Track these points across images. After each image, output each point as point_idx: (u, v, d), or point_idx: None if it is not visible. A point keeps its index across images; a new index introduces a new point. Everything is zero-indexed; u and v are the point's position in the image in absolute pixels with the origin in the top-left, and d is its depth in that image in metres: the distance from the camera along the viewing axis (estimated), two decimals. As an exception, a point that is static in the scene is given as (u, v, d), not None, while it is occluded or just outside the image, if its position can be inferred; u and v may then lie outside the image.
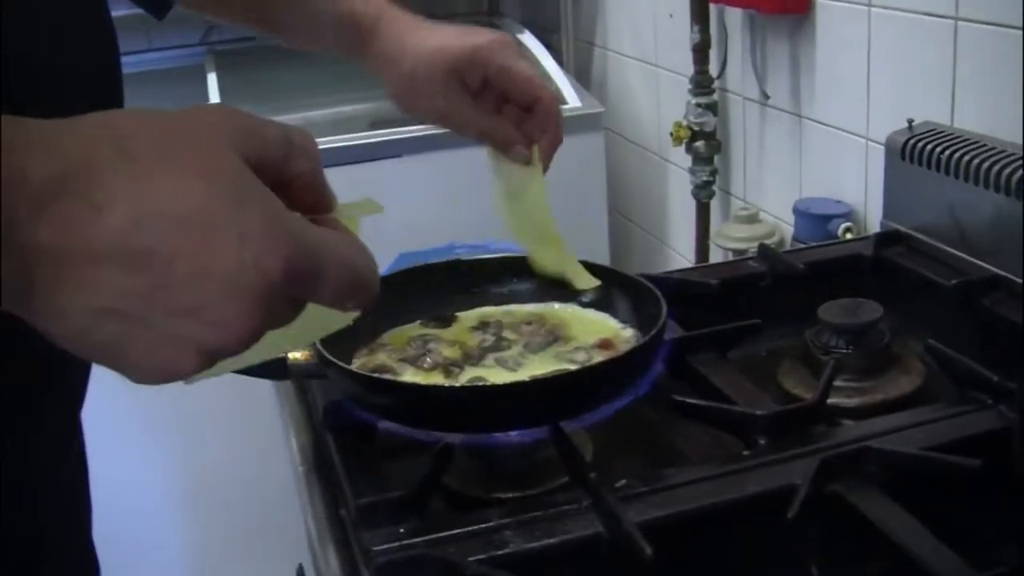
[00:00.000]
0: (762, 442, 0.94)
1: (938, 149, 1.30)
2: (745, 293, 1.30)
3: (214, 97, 2.17)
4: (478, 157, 2.13)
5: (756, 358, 1.24)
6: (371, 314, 0.98)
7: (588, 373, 0.94)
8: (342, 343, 1.03)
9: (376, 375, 0.96)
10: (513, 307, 1.13)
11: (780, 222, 1.90)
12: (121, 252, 0.48)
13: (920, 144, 1.33)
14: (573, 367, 0.98)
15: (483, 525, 0.85)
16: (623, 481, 0.89)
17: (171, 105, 0.54)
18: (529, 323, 1.08)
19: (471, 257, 1.19)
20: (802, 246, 1.64)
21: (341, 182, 2.06)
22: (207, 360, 0.52)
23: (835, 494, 0.85)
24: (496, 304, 1.14)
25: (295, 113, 2.30)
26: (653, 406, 1.06)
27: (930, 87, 1.42)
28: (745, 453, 0.93)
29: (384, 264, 1.59)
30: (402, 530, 0.85)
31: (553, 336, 1.05)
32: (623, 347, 1.02)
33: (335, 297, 0.56)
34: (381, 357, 1.03)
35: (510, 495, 0.96)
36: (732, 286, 1.28)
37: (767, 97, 1.86)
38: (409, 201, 2.09)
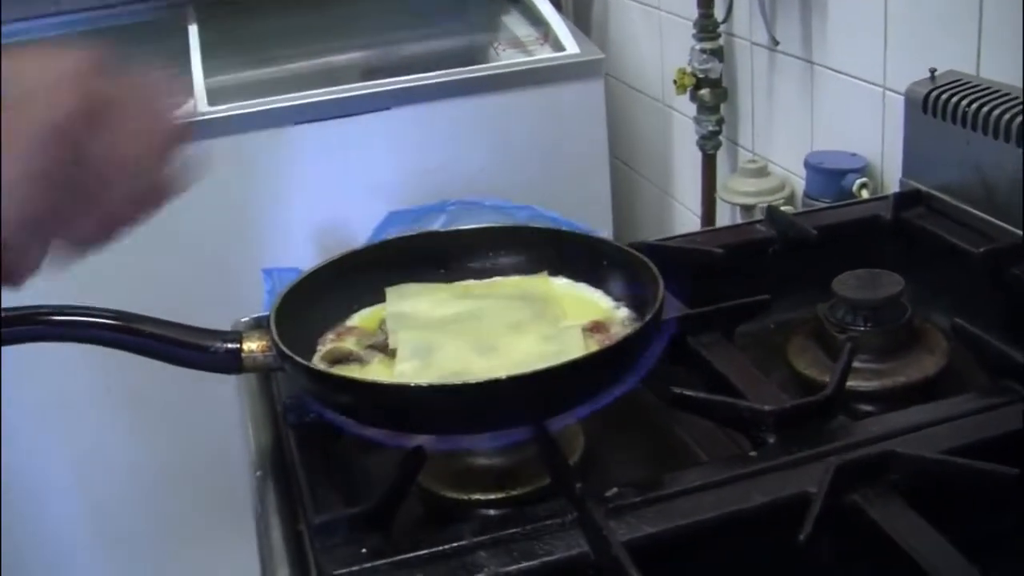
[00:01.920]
0: (771, 441, 0.84)
1: (963, 101, 1.18)
2: (752, 261, 1.19)
3: (195, 51, 2.05)
4: (471, 108, 2.05)
5: (764, 333, 1.14)
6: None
7: (575, 368, 0.83)
8: (307, 328, 0.94)
9: (332, 372, 0.85)
10: (497, 279, 1.03)
11: (790, 175, 1.79)
12: None
13: (943, 96, 1.21)
14: (559, 360, 0.87)
15: (455, 544, 0.75)
16: (614, 489, 0.79)
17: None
18: (514, 297, 0.98)
19: (449, 229, 1.08)
20: (817, 204, 1.54)
21: (326, 137, 1.95)
22: None
23: (853, 505, 0.75)
24: (478, 278, 1.04)
25: (279, 65, 2.19)
26: (654, 390, 0.96)
27: (954, 32, 1.31)
28: (752, 454, 0.83)
29: (373, 224, 1.51)
30: (364, 550, 0.75)
31: (539, 314, 0.95)
32: (616, 330, 0.92)
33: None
34: (348, 344, 0.92)
35: (490, 496, 0.87)
36: (737, 254, 1.17)
37: (776, 43, 1.74)
38: (398, 156, 1.99)
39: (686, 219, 2.22)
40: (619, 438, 0.96)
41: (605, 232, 2.13)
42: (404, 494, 0.80)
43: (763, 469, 0.81)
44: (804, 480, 0.78)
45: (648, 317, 0.86)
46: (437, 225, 1.48)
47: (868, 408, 1.00)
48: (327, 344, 0.94)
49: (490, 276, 1.04)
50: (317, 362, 0.90)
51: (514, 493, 0.87)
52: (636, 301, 0.97)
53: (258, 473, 0.88)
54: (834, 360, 1.04)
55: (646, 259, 0.95)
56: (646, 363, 0.88)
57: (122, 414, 2.00)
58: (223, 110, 1.89)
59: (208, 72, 1.98)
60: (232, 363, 0.86)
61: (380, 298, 1.01)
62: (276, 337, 0.85)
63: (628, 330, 0.91)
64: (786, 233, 1.20)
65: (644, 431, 0.99)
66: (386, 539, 0.76)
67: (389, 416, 0.83)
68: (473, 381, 0.79)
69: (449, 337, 0.91)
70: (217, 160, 1.91)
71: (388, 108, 1.97)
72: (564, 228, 1.08)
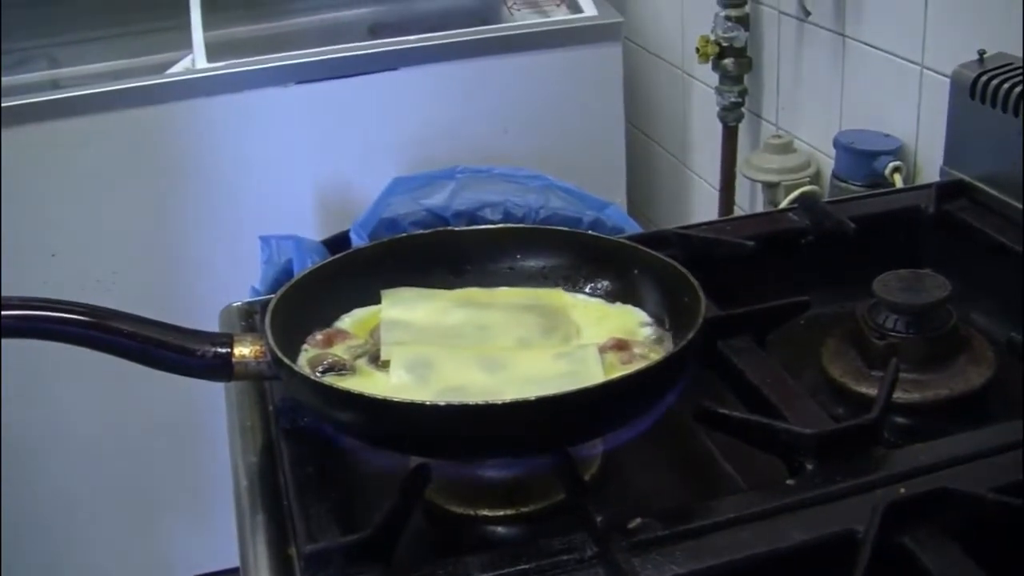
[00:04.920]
0: (809, 467, 0.77)
1: (1017, 88, 1.10)
2: (783, 253, 1.12)
3: (195, 3, 1.96)
4: (482, 70, 1.96)
5: (794, 329, 1.06)
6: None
7: (601, 392, 0.75)
8: (295, 327, 0.86)
9: (338, 386, 0.76)
10: (503, 289, 0.95)
11: (817, 152, 1.71)
12: None
13: (994, 81, 1.13)
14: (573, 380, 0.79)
15: (461, 581, 0.68)
16: (637, 520, 0.71)
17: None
18: (523, 309, 0.90)
19: (464, 228, 1.00)
20: (846, 186, 1.46)
21: (330, 98, 1.85)
22: None
23: (903, 549, 0.68)
24: (488, 285, 0.96)
25: (282, 20, 2.10)
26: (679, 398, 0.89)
27: (1004, 9, 1.22)
28: (790, 482, 0.76)
29: (378, 190, 1.43)
30: (361, 584, 0.68)
31: (550, 328, 0.87)
32: (639, 351, 0.84)
33: None
34: (337, 350, 0.85)
35: (499, 513, 0.80)
36: (769, 246, 1.09)
37: (807, 13, 1.65)
38: (405, 120, 1.91)
39: (704, 192, 2.13)
40: (639, 446, 0.89)
41: (620, 199, 2.06)
42: (406, 520, 0.72)
43: (803, 501, 0.73)
44: (848, 516, 0.71)
45: (690, 334, 0.78)
46: (446, 192, 1.40)
47: (907, 422, 0.93)
48: (314, 347, 0.86)
49: (507, 280, 0.97)
50: (303, 364, 0.82)
51: (525, 510, 0.80)
52: (663, 315, 0.90)
53: (244, 483, 0.81)
54: (871, 367, 0.97)
55: (684, 270, 0.87)
56: (676, 392, 0.80)
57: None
58: (222, 67, 1.81)
59: (208, 26, 1.89)
60: (222, 369, 0.78)
61: (375, 299, 0.93)
62: (272, 343, 0.77)
63: (653, 349, 0.84)
64: (821, 224, 1.12)
65: (666, 438, 0.91)
66: (385, 573, 0.69)
67: (389, 435, 0.75)
68: (499, 402, 0.71)
69: (448, 350, 0.84)
70: (214, 119, 1.86)
71: (395, 68, 1.90)
72: (589, 231, 1.00)
